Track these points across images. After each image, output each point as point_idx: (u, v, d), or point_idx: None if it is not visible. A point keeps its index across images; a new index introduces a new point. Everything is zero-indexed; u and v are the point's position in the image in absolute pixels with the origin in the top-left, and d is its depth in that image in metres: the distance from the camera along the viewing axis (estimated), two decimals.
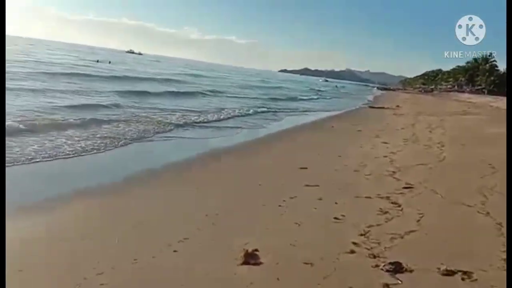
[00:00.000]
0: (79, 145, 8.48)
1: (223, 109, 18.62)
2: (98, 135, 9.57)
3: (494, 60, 69.06)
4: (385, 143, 10.82)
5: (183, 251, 3.71)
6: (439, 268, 3.45)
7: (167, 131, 11.59)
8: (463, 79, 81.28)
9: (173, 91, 25.29)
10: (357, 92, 73.78)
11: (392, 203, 5.39)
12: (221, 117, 16.17)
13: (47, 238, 4.00)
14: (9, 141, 7.89)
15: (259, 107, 21.64)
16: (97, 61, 54.28)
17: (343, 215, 4.81)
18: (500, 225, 4.48)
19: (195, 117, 14.72)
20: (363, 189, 6.09)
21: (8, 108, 11.70)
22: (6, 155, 6.97)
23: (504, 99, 31.49)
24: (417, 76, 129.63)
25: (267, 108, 21.78)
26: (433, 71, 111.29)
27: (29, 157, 7.17)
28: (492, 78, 69.27)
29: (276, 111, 20.99)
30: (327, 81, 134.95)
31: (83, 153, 7.96)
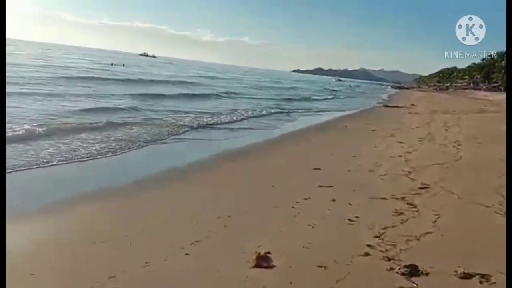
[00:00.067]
0: (94, 148, 8.55)
1: (237, 110, 18.66)
2: (112, 138, 9.66)
3: None
4: (400, 142, 10.68)
5: (195, 254, 3.69)
6: (456, 271, 3.36)
7: (181, 133, 11.64)
8: (479, 76, 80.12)
9: (187, 94, 25.44)
10: (371, 91, 73.25)
11: (407, 204, 5.30)
12: (235, 118, 16.18)
13: (58, 241, 4.01)
14: (25, 145, 8.04)
15: (273, 108, 21.62)
16: (112, 64, 54.97)
17: (357, 217, 4.74)
18: None
19: (209, 119, 14.77)
20: (377, 189, 6.00)
21: (25, 112, 11.94)
22: (23, 158, 7.10)
23: None
24: (432, 74, 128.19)
25: (281, 109, 21.74)
26: (448, 69, 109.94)
27: (45, 160, 7.26)
28: None
29: (289, 112, 20.92)
30: (340, 80, 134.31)
31: (98, 156, 8.02)
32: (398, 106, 27.95)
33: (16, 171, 6.46)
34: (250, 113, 18.21)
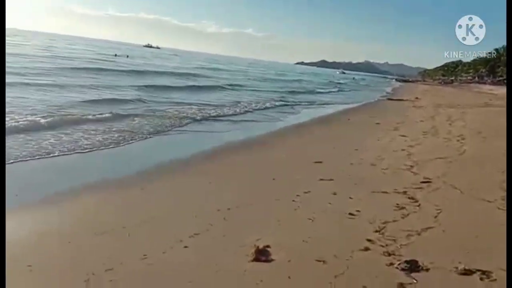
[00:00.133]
0: (96, 139, 8.55)
1: (241, 102, 18.61)
2: (115, 129, 9.64)
3: None
4: (404, 136, 10.60)
5: (194, 247, 3.67)
6: (456, 267, 3.33)
7: (184, 124, 11.61)
8: (484, 70, 79.45)
9: (192, 85, 25.36)
10: (375, 84, 72.96)
11: (409, 198, 5.26)
12: (239, 110, 16.12)
13: (58, 232, 4.00)
14: (27, 136, 8.04)
15: (277, 101, 21.54)
16: (115, 55, 54.89)
17: (358, 211, 4.70)
18: None
19: (213, 111, 14.71)
20: (379, 183, 5.96)
21: (27, 102, 11.94)
22: (25, 149, 7.10)
23: None
24: (436, 67, 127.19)
25: (285, 101, 21.67)
26: (453, 62, 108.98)
27: (47, 151, 7.26)
28: None
29: (293, 104, 20.85)
30: (344, 73, 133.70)
31: (102, 147, 8.01)
32: (402, 100, 27.79)
33: (18, 161, 6.47)
34: (254, 105, 18.15)
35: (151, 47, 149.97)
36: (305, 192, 5.39)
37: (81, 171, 6.54)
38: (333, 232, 4.16)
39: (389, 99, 30.08)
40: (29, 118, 9.47)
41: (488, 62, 76.54)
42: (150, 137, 9.51)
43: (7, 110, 10.12)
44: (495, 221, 4.56)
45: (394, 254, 3.57)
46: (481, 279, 3.21)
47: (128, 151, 8.18)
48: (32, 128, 8.71)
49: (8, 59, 25.32)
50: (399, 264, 3.37)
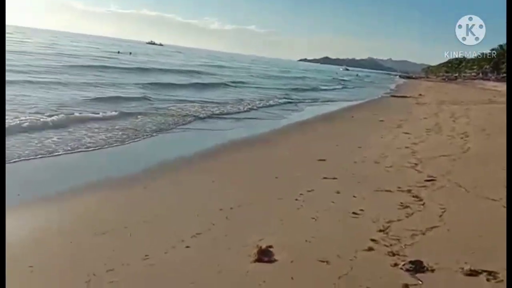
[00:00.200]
0: (100, 137, 8.54)
1: (244, 100, 18.57)
2: (119, 127, 9.63)
3: None
4: (407, 133, 10.55)
5: (196, 247, 3.64)
6: (462, 268, 3.27)
7: (187, 122, 11.59)
8: (488, 66, 78.98)
9: (195, 83, 25.29)
10: (379, 81, 72.71)
11: (413, 196, 5.21)
12: (243, 108, 16.09)
13: (58, 232, 3.98)
14: (30, 134, 8.03)
15: (281, 98, 21.48)
16: (118, 52, 54.92)
17: (361, 210, 4.66)
18: None
19: (216, 109, 14.69)
20: (383, 182, 5.91)
21: (29, 100, 11.94)
22: (27, 148, 7.08)
23: None
24: (440, 64, 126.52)
25: (289, 99, 21.60)
26: (456, 59, 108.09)
27: (49, 150, 7.24)
28: None
29: (297, 102, 20.79)
30: (347, 69, 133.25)
31: (106, 146, 8.01)
32: (406, 96, 27.66)
33: (21, 160, 6.45)
34: (257, 103, 18.14)
35: (154, 44, 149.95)
36: (308, 191, 5.35)
37: (84, 170, 6.53)
38: (337, 231, 4.12)
39: (392, 96, 29.97)
40: (32, 116, 9.46)
41: (492, 58, 76.01)
42: (153, 135, 9.49)
43: (10, 108, 10.14)
44: (500, 220, 4.48)
45: (398, 254, 3.53)
46: (488, 280, 3.16)
47: (131, 149, 8.17)
48: (35, 126, 8.68)
49: (11, 56, 25.48)
50: (403, 265, 3.32)
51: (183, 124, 11.26)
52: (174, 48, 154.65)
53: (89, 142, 8.05)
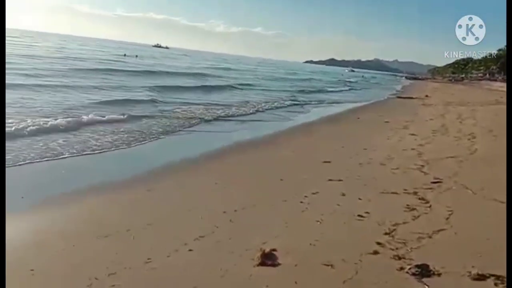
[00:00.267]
0: (106, 139, 8.55)
1: (251, 102, 18.55)
2: (125, 130, 9.64)
3: None
4: (413, 134, 10.47)
5: (199, 250, 3.60)
6: (469, 272, 3.22)
7: (193, 125, 11.59)
8: (495, 67, 78.30)
9: (203, 85, 25.30)
10: (386, 82, 72.53)
11: (419, 199, 5.15)
12: (249, 110, 16.06)
13: (61, 235, 3.96)
14: (36, 137, 8.06)
15: (287, 100, 21.47)
16: (124, 55, 55.23)
17: (367, 212, 4.61)
18: None
19: (222, 111, 14.68)
20: (389, 184, 5.85)
21: (36, 104, 12.00)
22: (33, 151, 7.10)
23: None
24: (446, 65, 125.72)
25: (295, 101, 21.59)
26: (463, 60, 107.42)
27: (55, 152, 7.25)
28: None
29: (303, 104, 20.76)
30: (353, 71, 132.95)
31: (112, 148, 8.01)
32: (412, 98, 27.51)
33: (27, 163, 6.46)
34: (264, 105, 18.11)
35: (160, 47, 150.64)
36: (313, 193, 5.31)
37: (89, 172, 6.52)
38: (342, 235, 4.07)
39: (398, 97, 29.82)
40: (38, 119, 9.47)
41: (499, 59, 75.33)
42: (159, 138, 9.50)
43: (17, 111, 10.21)
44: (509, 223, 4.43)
45: (404, 258, 3.48)
46: (496, 284, 3.09)
47: (137, 152, 8.17)
48: (42, 129, 8.69)
49: (20, 60, 25.70)
50: (409, 269, 3.27)
51: (189, 127, 11.28)
52: (180, 51, 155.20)
53: (95, 145, 8.06)
